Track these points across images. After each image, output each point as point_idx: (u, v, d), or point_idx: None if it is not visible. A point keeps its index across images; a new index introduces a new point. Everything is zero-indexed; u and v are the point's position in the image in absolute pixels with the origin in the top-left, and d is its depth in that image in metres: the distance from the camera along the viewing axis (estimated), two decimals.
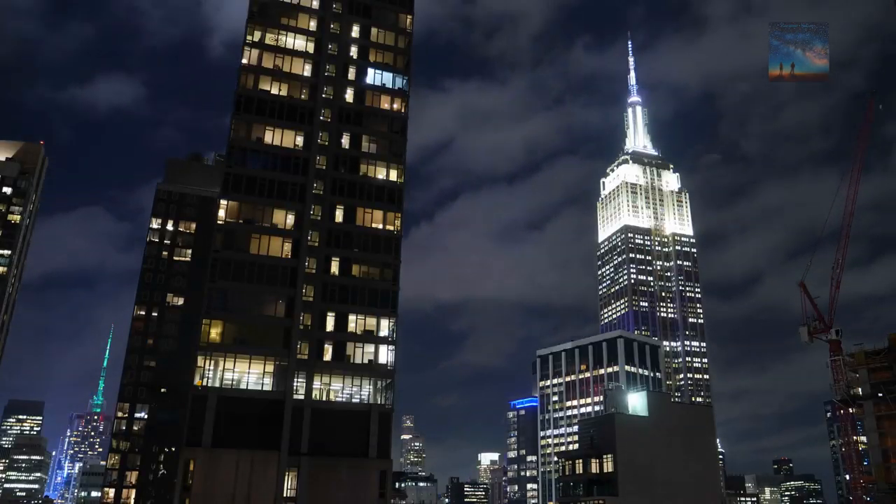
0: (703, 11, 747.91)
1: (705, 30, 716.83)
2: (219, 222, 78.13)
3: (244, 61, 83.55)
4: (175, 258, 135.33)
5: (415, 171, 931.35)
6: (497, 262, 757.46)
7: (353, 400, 77.78)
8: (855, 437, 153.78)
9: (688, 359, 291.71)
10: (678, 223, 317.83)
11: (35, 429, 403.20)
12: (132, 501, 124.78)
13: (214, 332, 73.82)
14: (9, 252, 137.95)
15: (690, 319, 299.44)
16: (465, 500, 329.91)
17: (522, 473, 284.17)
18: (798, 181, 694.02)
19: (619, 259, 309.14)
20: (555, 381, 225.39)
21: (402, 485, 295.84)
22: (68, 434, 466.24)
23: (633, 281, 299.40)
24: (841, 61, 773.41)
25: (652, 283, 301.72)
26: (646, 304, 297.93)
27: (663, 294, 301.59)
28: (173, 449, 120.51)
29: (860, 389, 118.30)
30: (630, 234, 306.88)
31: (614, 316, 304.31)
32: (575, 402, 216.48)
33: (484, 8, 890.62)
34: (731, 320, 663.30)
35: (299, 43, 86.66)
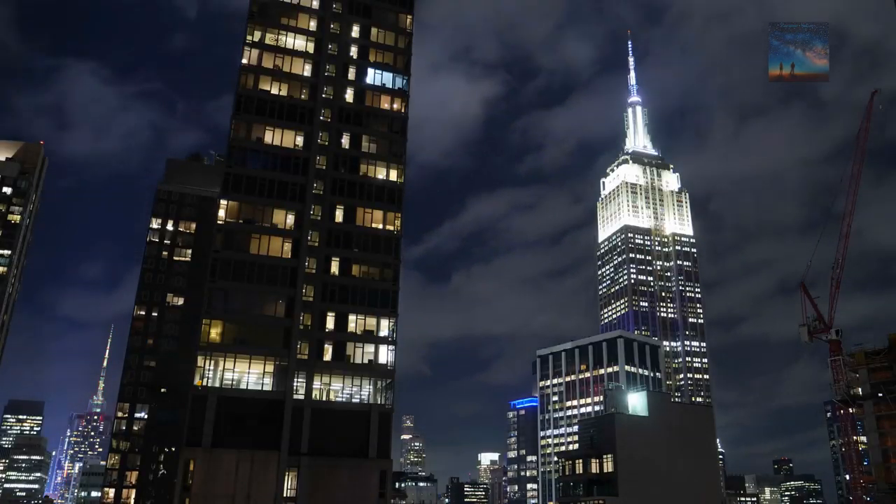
0: (706, 130, 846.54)
1: (707, 141, 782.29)
2: (219, 222, 78.12)
3: (244, 61, 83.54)
4: (175, 258, 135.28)
5: (460, 248, 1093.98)
6: (520, 304, 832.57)
7: (353, 400, 77.79)
8: (855, 437, 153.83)
9: (688, 359, 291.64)
10: (678, 223, 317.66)
11: (35, 429, 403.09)
12: (132, 501, 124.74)
13: (214, 332, 73.84)
14: (9, 252, 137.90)
15: (690, 319, 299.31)
16: (465, 500, 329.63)
17: (522, 473, 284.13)
18: (785, 241, 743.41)
19: (619, 259, 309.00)
20: (555, 381, 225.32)
21: (402, 485, 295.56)
22: (68, 434, 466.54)
23: (633, 281, 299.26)
24: (819, 160, 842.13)
25: (652, 283, 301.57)
26: (646, 304, 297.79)
27: (663, 294, 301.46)
28: (173, 449, 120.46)
29: (860, 389, 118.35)
30: (630, 234, 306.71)
31: (614, 316, 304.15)
32: (575, 402, 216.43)
33: (523, 133, 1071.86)
34: (730, 332, 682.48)
35: (299, 43, 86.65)
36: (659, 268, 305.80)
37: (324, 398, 76.75)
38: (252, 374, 73.90)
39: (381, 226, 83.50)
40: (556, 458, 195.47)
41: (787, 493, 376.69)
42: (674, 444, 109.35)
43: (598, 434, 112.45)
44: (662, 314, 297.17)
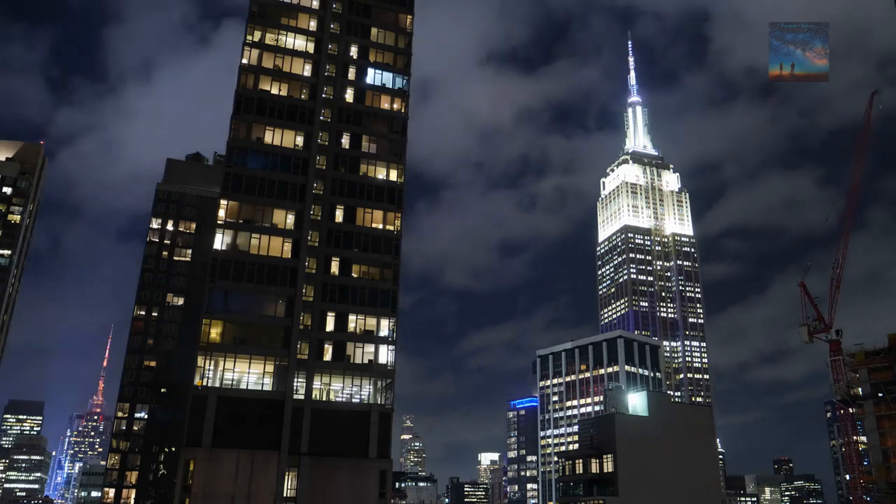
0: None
1: None
2: (219, 222, 78.11)
3: (244, 61, 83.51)
4: (175, 258, 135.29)
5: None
6: None
7: (353, 400, 77.78)
8: (855, 437, 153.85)
9: (688, 359, 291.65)
10: (678, 223, 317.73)
11: (35, 429, 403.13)
12: (132, 501, 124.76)
13: (214, 332, 73.84)
14: (9, 252, 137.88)
15: (690, 319, 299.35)
16: (465, 500, 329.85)
17: (522, 473, 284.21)
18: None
19: (619, 259, 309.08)
20: (555, 381, 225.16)
21: (402, 485, 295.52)
22: (68, 434, 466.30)
23: (633, 281, 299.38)
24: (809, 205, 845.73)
25: (652, 283, 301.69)
26: (646, 304, 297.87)
27: (663, 294, 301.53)
28: (173, 449, 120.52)
29: (860, 389, 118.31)
30: (630, 234, 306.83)
31: (614, 316, 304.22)
32: (575, 402, 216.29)
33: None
34: (731, 328, 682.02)
35: (299, 43, 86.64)
36: (659, 268, 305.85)
37: (324, 398, 76.73)
38: (252, 374, 73.91)
39: (381, 226, 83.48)
40: (556, 458, 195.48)
41: (787, 493, 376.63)
42: (674, 444, 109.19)
43: (598, 434, 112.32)
44: (662, 314, 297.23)
